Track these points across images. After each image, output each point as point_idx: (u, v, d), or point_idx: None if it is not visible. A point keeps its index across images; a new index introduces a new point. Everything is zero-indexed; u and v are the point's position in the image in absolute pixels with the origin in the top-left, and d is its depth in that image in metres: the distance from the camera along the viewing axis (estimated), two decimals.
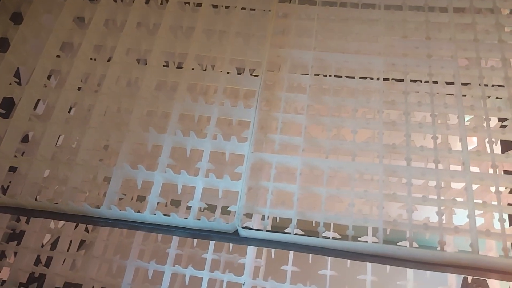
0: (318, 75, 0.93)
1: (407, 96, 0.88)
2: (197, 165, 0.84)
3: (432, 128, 0.85)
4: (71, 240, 1.04)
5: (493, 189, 0.79)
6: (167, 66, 0.96)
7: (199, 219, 0.77)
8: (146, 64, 0.94)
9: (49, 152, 0.88)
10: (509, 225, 0.90)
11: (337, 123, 0.88)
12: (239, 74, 0.93)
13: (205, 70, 0.95)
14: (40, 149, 0.86)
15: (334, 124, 0.88)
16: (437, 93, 0.90)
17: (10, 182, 1.00)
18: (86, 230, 1.08)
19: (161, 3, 1.09)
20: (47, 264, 0.98)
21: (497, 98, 0.92)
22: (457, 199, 0.79)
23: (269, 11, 1.00)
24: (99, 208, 0.79)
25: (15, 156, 0.87)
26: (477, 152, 0.81)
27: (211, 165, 0.84)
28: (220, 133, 0.86)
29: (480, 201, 0.76)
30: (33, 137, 1.04)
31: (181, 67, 0.94)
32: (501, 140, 0.97)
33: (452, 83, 0.90)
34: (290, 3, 1.04)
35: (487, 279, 0.97)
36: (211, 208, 1.07)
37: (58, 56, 0.97)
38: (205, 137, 0.86)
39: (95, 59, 0.97)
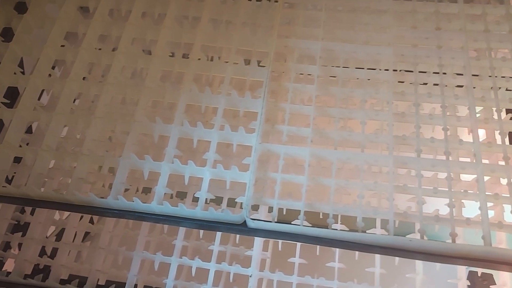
0: (326, 66, 0.92)
1: (416, 87, 0.87)
2: (204, 156, 0.83)
3: (443, 120, 0.84)
4: (76, 232, 1.03)
5: (504, 181, 0.78)
6: (172, 56, 0.95)
7: (207, 210, 0.76)
8: (151, 54, 0.93)
9: (54, 142, 0.87)
10: None
11: (346, 114, 0.87)
12: (246, 64, 0.92)
13: (212, 61, 0.94)
14: (46, 139, 0.85)
15: (342, 115, 0.87)
16: (446, 85, 0.89)
17: (15, 173, 0.99)
18: (91, 221, 1.07)
19: None
20: (52, 256, 0.97)
21: (507, 89, 0.91)
22: (468, 191, 0.78)
23: (276, 1, 0.98)
24: (106, 198, 0.78)
25: (20, 146, 0.86)
26: (489, 143, 0.80)
27: (218, 156, 0.83)
28: (227, 124, 0.85)
29: (492, 193, 0.75)
30: (38, 128, 1.04)
31: (187, 57, 0.93)
32: (509, 132, 0.96)
33: (462, 75, 0.89)
34: None
35: (494, 272, 0.97)
36: (217, 201, 1.06)
37: (62, 46, 0.96)
38: (212, 127, 0.85)
39: (100, 49, 0.96)
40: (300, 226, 0.73)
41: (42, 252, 0.99)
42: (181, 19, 1.02)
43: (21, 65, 1.00)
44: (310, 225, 0.75)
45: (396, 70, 0.91)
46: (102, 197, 0.78)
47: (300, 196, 0.78)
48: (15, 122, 0.87)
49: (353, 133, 0.84)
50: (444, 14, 0.95)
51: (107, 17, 0.99)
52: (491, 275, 1.18)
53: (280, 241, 1.01)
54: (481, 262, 0.71)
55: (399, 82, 0.91)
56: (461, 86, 0.91)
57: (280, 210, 1.06)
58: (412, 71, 0.90)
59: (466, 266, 1.28)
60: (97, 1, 1.00)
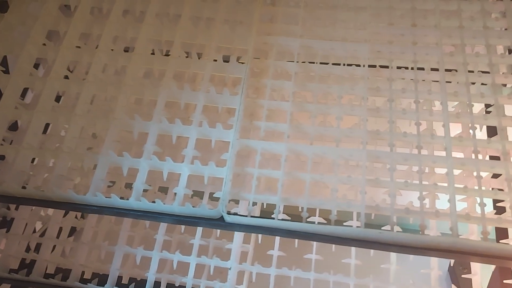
0: (305, 62, 0.94)
1: (391, 83, 0.89)
2: (183, 152, 0.85)
3: (416, 114, 0.86)
4: (61, 227, 1.05)
5: (475, 174, 0.80)
6: (153, 54, 0.96)
7: (184, 205, 0.78)
8: (133, 51, 0.94)
9: (36, 140, 0.88)
10: (493, 209, 0.91)
11: (322, 109, 0.89)
12: (225, 61, 0.93)
13: (191, 58, 0.95)
14: (27, 137, 0.86)
15: (320, 111, 0.89)
16: (423, 80, 0.91)
17: None
18: (76, 217, 1.09)
19: None
20: (37, 251, 0.99)
21: (482, 84, 0.93)
22: (440, 184, 0.80)
23: None
24: (85, 195, 0.79)
25: (1, 144, 0.87)
26: (460, 138, 0.82)
27: (196, 152, 0.85)
28: (206, 120, 0.86)
29: (461, 186, 0.77)
30: (21, 126, 1.05)
31: (168, 55, 0.94)
32: (487, 126, 0.97)
33: (437, 70, 0.90)
34: None
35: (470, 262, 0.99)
36: (200, 195, 1.08)
37: (44, 44, 0.97)
38: (191, 124, 0.86)
39: (80, 47, 0.96)
40: (275, 220, 0.75)
41: (28, 248, 1.01)
42: (162, 16, 1.03)
43: (4, 64, 1.00)
44: (289, 218, 0.77)
45: (372, 66, 0.92)
46: (85, 194, 0.79)
47: (277, 191, 0.80)
48: None
49: (329, 128, 0.86)
50: (421, 11, 0.96)
51: (89, 15, 1.00)
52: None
53: (260, 235, 1.03)
54: (451, 253, 0.73)
55: (376, 77, 0.92)
56: (436, 81, 0.93)
57: (262, 204, 1.09)
58: (388, 67, 0.91)
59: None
60: (78, 0, 1.01)
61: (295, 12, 0.99)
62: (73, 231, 1.11)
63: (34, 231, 1.06)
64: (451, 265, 1.02)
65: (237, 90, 0.90)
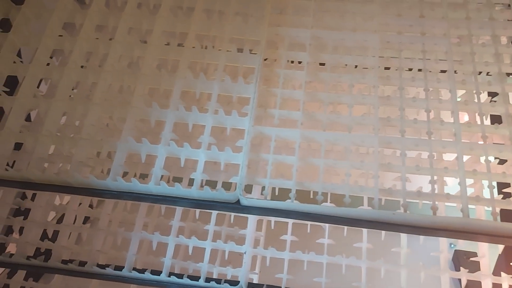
0: (316, 53, 0.96)
1: (401, 72, 0.92)
2: (199, 139, 0.87)
3: (425, 102, 0.88)
4: (76, 216, 1.07)
5: (483, 159, 0.82)
6: (168, 45, 0.98)
7: (202, 189, 0.80)
8: (147, 43, 0.96)
9: (54, 128, 0.90)
10: (498, 194, 0.94)
11: (334, 98, 0.92)
12: (238, 52, 0.96)
13: (206, 48, 0.97)
14: (46, 124, 0.88)
15: (331, 100, 0.91)
16: (430, 71, 0.94)
17: (14, 161, 1.02)
18: (91, 206, 1.11)
19: None
20: (53, 239, 1.01)
21: (487, 74, 0.96)
22: (448, 167, 0.82)
23: None
24: (105, 180, 0.81)
25: (21, 132, 0.89)
26: (468, 124, 0.85)
27: (212, 139, 0.87)
28: (221, 108, 0.89)
29: (470, 170, 0.80)
30: (38, 115, 1.06)
31: (182, 46, 0.96)
32: (491, 115, 1.00)
33: (445, 60, 0.93)
34: None
35: (474, 246, 1.02)
36: (212, 184, 1.10)
37: (60, 35, 0.99)
38: (207, 112, 0.89)
39: (97, 39, 0.99)
40: (291, 202, 0.77)
41: (44, 236, 1.03)
42: (176, 9, 1.06)
43: (19, 55, 1.03)
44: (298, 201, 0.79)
45: (382, 56, 0.95)
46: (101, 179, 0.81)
47: (291, 176, 0.82)
48: (15, 109, 0.91)
49: (341, 116, 0.89)
50: (428, 3, 0.99)
51: (104, 7, 1.02)
52: (475, 253, 1.24)
53: (272, 221, 1.05)
54: (461, 234, 0.76)
55: (385, 68, 0.95)
56: (444, 72, 0.96)
57: (273, 191, 1.11)
58: (397, 57, 0.94)
59: (451, 243, 1.34)
60: None
61: (305, 4, 1.02)
62: (86, 220, 1.13)
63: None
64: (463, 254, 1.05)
65: (249, 80, 0.92)
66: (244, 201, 0.79)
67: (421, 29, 0.96)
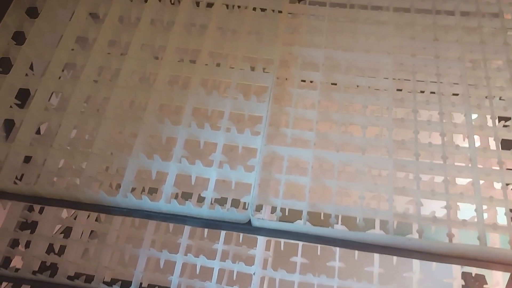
0: (328, 73, 0.96)
1: (415, 94, 0.91)
2: (211, 157, 0.86)
3: (440, 126, 0.88)
4: (82, 231, 1.06)
5: (498, 185, 0.81)
6: (181, 61, 0.98)
7: (212, 208, 0.79)
8: (161, 59, 0.96)
9: (65, 142, 0.90)
10: None
11: (347, 119, 0.91)
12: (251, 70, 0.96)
13: (219, 66, 0.97)
14: (57, 138, 0.88)
15: (344, 120, 0.91)
16: (443, 94, 0.93)
17: (22, 174, 1.01)
18: (97, 220, 1.10)
19: (173, 3, 1.12)
20: (59, 253, 0.99)
21: (500, 99, 0.95)
22: (464, 193, 0.81)
23: (280, 12, 1.03)
24: (115, 196, 0.80)
25: (31, 145, 0.89)
26: (484, 149, 0.84)
27: (224, 157, 0.86)
28: (233, 126, 0.88)
29: (487, 196, 0.79)
30: (48, 129, 1.06)
31: (195, 63, 0.96)
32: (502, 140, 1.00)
33: (458, 84, 0.93)
34: (299, 3, 1.08)
35: (488, 273, 1.00)
36: (221, 201, 1.09)
37: (73, 49, 0.99)
38: (219, 129, 0.88)
39: (109, 53, 0.99)
40: (304, 225, 0.76)
41: (50, 250, 1.01)
42: (189, 26, 1.06)
43: (30, 67, 1.03)
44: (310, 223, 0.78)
45: (395, 78, 0.95)
46: (112, 195, 0.80)
47: (303, 196, 0.81)
48: (27, 122, 0.90)
49: (355, 137, 0.88)
50: (442, 26, 0.99)
51: (117, 23, 1.03)
52: (483, 276, 1.21)
53: (282, 241, 1.04)
54: (476, 262, 0.74)
55: (397, 90, 0.95)
56: (457, 95, 0.95)
57: (283, 211, 1.10)
58: (410, 80, 0.94)
59: (461, 267, 1.32)
60: (107, 8, 1.03)
61: (318, 24, 1.02)
62: (93, 234, 1.12)
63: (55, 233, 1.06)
64: (473, 275, 1.03)
65: (261, 98, 0.92)
66: (256, 222, 0.78)
67: (435, 52, 0.95)
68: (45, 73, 0.95)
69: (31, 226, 1.03)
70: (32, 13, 1.06)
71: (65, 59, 0.99)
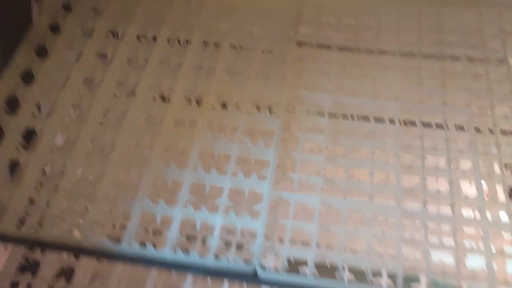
0: (335, 117, 0.96)
1: (422, 140, 0.91)
2: (216, 202, 0.85)
3: (448, 172, 0.87)
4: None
5: (506, 235, 0.80)
6: (189, 103, 0.99)
7: (218, 259, 0.77)
8: (168, 101, 0.97)
9: (69, 185, 0.89)
10: None
11: (355, 164, 0.90)
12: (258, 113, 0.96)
13: (226, 109, 0.98)
14: (62, 183, 0.87)
15: (352, 165, 0.90)
16: (451, 139, 0.93)
17: (24, 217, 1.00)
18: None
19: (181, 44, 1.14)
20: None
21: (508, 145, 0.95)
22: (473, 244, 0.80)
23: (287, 54, 1.03)
24: (119, 242, 0.79)
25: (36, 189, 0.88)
26: (492, 199, 0.83)
27: (230, 202, 0.85)
28: (240, 171, 0.87)
29: (497, 250, 0.77)
30: (52, 170, 1.05)
31: (201, 106, 0.96)
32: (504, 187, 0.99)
33: (465, 130, 0.93)
34: (307, 48, 1.09)
35: None
36: (225, 244, 1.08)
37: (79, 90, 1.00)
38: (225, 173, 0.87)
39: (115, 96, 0.99)
40: (312, 278, 0.75)
41: None
42: (197, 69, 1.07)
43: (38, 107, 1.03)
44: (317, 274, 0.77)
45: (402, 124, 0.95)
46: (116, 239, 0.79)
47: (310, 242, 0.80)
48: (32, 165, 0.90)
49: (362, 183, 0.87)
50: (449, 73, 1.00)
51: (125, 64, 1.03)
52: None
53: None
54: None
55: (404, 135, 0.95)
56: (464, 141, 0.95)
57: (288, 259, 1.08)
58: (417, 126, 0.94)
59: None
60: (115, 49, 1.04)
61: (325, 68, 1.02)
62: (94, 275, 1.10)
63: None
64: None
65: (268, 142, 0.91)
66: (262, 275, 0.76)
67: (442, 98, 0.96)
68: (51, 114, 0.96)
69: (32, 267, 1.01)
70: (42, 51, 1.07)
71: (72, 100, 0.99)
